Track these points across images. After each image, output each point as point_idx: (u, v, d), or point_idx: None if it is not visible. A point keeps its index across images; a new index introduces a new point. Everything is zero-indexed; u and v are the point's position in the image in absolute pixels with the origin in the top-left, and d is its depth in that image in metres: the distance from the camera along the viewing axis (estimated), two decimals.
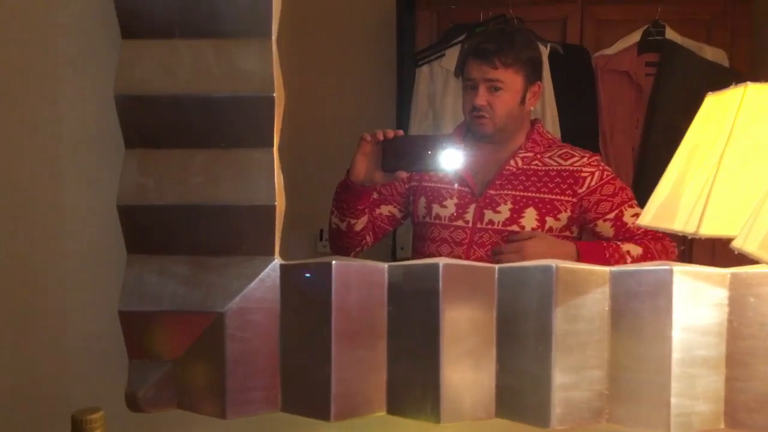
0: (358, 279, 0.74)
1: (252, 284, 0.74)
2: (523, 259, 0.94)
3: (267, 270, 0.74)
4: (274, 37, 0.73)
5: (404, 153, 0.96)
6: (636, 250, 1.00)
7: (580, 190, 1.04)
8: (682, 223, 0.78)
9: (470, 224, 1.05)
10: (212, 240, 0.74)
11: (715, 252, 0.92)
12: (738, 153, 0.75)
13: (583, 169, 1.05)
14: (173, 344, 0.76)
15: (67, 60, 0.82)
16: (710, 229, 0.74)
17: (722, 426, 0.72)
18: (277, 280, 0.75)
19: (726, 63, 1.22)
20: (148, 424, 0.82)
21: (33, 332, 0.85)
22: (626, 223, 1.03)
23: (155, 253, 0.75)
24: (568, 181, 1.04)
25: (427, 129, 1.26)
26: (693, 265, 0.72)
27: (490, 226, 1.04)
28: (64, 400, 0.78)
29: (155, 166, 0.74)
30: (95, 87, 0.81)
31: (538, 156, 1.07)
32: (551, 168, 1.05)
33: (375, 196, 1.08)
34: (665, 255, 1.01)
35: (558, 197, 1.04)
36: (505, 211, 1.04)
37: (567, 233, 1.04)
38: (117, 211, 0.73)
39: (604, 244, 1.02)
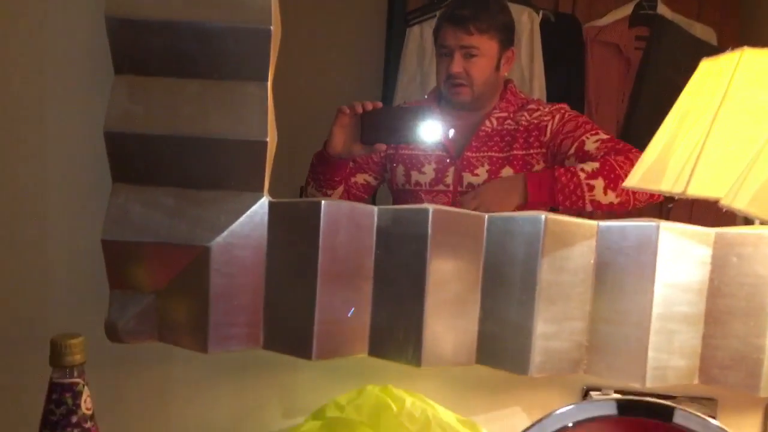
0: (347, 220, 0.73)
1: (240, 220, 0.73)
2: (481, 203, 0.98)
3: (255, 206, 0.73)
4: None
5: (383, 125, 0.96)
6: (591, 165, 0.99)
7: (544, 139, 1.05)
8: (670, 183, 0.79)
9: (451, 188, 1.05)
10: (201, 173, 0.73)
11: (692, 215, 0.93)
12: (731, 116, 0.76)
13: (544, 118, 1.05)
14: (156, 276, 0.75)
15: None
16: (698, 189, 0.75)
17: (696, 381, 0.74)
18: (265, 217, 0.74)
19: (714, 41, 1.23)
20: (128, 355, 0.81)
21: (13, 257, 0.84)
22: (588, 151, 1.02)
23: (141, 183, 0.73)
24: (534, 134, 1.05)
25: (414, 91, 1.25)
26: (679, 223, 0.73)
27: (470, 189, 1.05)
28: (44, 326, 0.77)
29: (145, 94, 0.72)
30: (85, 7, 0.78)
31: (511, 115, 1.08)
32: (520, 124, 1.06)
33: (350, 165, 1.08)
34: (629, 164, 0.98)
35: (528, 151, 1.05)
36: (483, 173, 1.04)
37: None
38: (103, 137, 0.71)
39: (555, 167, 1.02)
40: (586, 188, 0.95)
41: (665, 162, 0.82)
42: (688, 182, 0.75)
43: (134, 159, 0.73)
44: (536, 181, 1.00)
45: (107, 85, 0.72)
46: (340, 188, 1.06)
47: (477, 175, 1.05)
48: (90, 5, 0.77)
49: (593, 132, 1.03)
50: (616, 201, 0.96)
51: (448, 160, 1.07)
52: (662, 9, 1.24)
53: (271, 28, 0.70)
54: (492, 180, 1.04)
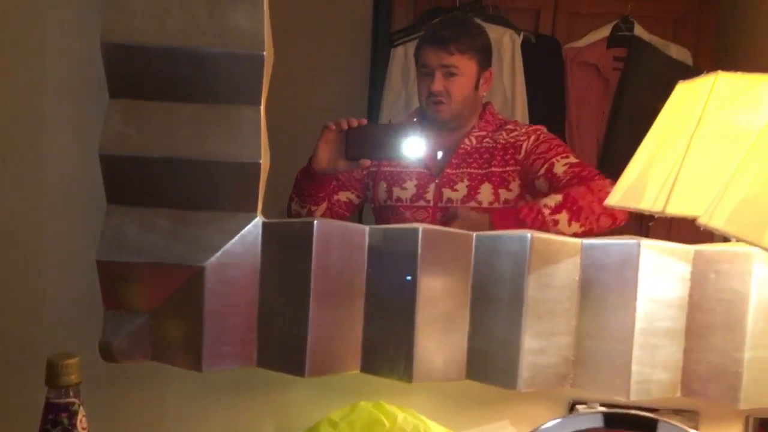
0: (339, 240, 0.75)
1: (233, 240, 0.74)
2: None
3: (249, 227, 0.75)
4: None
5: (368, 141, 0.97)
6: (554, 199, 1.00)
7: (519, 157, 1.08)
8: (649, 202, 0.81)
9: (431, 203, 1.08)
10: (195, 194, 0.74)
11: (671, 232, 0.96)
12: (706, 137, 0.78)
13: (520, 138, 1.08)
14: (150, 296, 0.76)
15: (53, 5, 0.81)
16: (676, 208, 0.78)
17: (678, 394, 0.76)
18: (259, 237, 0.75)
19: (690, 62, 1.27)
20: (122, 374, 0.82)
21: (9, 277, 0.84)
22: (556, 174, 1.04)
23: (136, 205, 0.75)
24: (510, 152, 1.08)
25: (399, 110, 1.27)
26: (659, 240, 0.75)
27: (449, 204, 1.07)
28: (39, 346, 0.77)
29: (140, 117, 0.73)
30: (81, 32, 0.80)
31: (489, 134, 1.10)
32: (498, 142, 1.09)
33: (333, 183, 1.09)
34: (590, 194, 1.00)
35: (505, 169, 1.07)
36: (462, 188, 1.07)
37: (522, 202, 1.07)
38: (99, 160, 0.72)
39: (519, 206, 1.03)
40: (551, 223, 0.97)
41: (645, 181, 0.85)
42: (667, 201, 0.78)
43: (129, 181, 0.74)
44: (501, 223, 1.01)
45: (103, 109, 0.73)
46: (324, 204, 1.08)
47: (456, 190, 1.08)
48: (87, 30, 0.79)
49: (564, 155, 1.06)
50: (579, 230, 0.98)
51: (428, 177, 1.09)
52: (639, 30, 1.28)
53: (264, 53, 0.72)
54: (469, 212, 1.05)
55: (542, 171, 1.06)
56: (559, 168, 1.05)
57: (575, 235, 0.97)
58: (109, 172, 0.73)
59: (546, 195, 1.04)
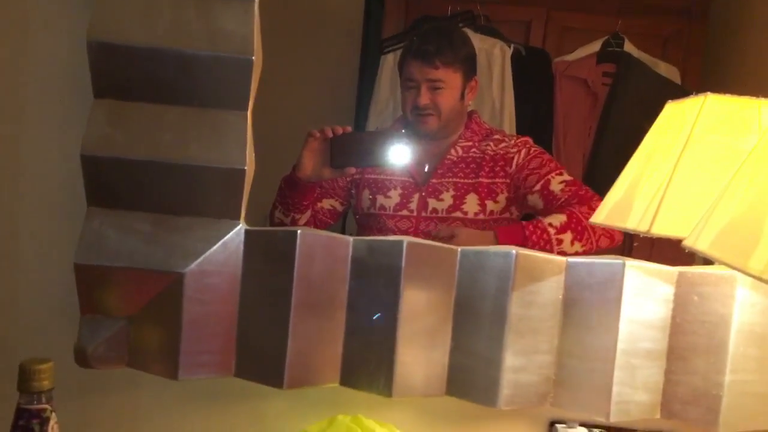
0: (323, 250, 0.74)
1: (215, 247, 0.73)
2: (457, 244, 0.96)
3: (231, 234, 0.74)
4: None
5: (353, 149, 0.97)
6: (558, 219, 1.02)
7: (510, 170, 1.08)
8: (635, 222, 0.81)
9: (415, 213, 1.07)
10: (177, 199, 0.73)
11: (653, 250, 0.96)
12: (694, 159, 0.79)
13: (511, 150, 1.09)
14: (129, 302, 0.75)
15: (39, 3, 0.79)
16: (661, 229, 0.78)
17: (658, 416, 0.76)
18: (241, 245, 0.74)
19: (678, 80, 1.27)
20: (97, 381, 0.80)
21: None
22: (553, 191, 1.06)
23: (117, 208, 0.73)
24: (500, 164, 1.08)
25: (387, 117, 1.27)
26: (644, 261, 0.75)
27: (434, 214, 1.07)
28: (12, 351, 0.75)
29: (125, 119, 0.72)
30: (66, 29, 0.78)
31: (476, 144, 1.11)
32: (486, 153, 1.09)
33: (317, 190, 1.09)
34: (592, 215, 1.01)
35: (493, 180, 1.07)
36: (447, 198, 1.07)
37: (507, 215, 1.08)
38: (80, 160, 0.71)
39: (524, 224, 1.04)
40: (555, 242, 0.99)
41: (631, 200, 0.85)
42: (652, 221, 0.78)
43: (111, 183, 0.73)
44: (507, 235, 1.02)
45: (86, 109, 0.72)
46: (308, 213, 1.07)
47: (442, 200, 1.07)
48: (71, 28, 0.78)
49: (557, 172, 1.07)
50: (581, 249, 1.00)
51: (413, 186, 1.09)
52: (629, 47, 1.28)
53: (253, 58, 0.72)
54: (468, 229, 1.05)
55: (537, 187, 1.06)
56: (556, 186, 1.06)
57: (576, 254, 0.98)
58: (91, 173, 0.72)
59: (539, 210, 1.06)
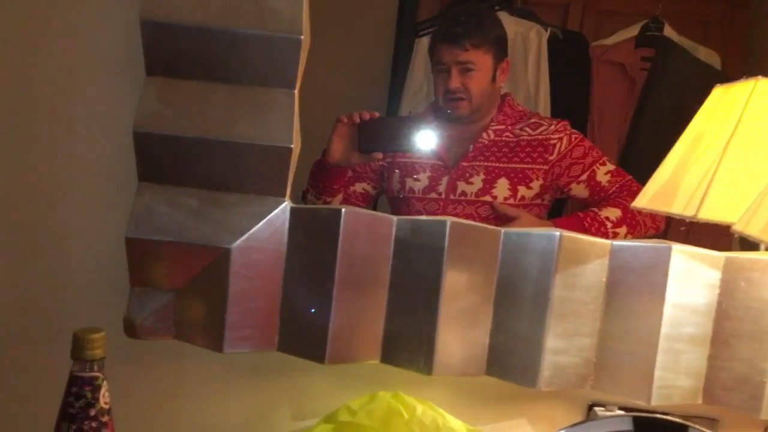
0: (366, 229, 0.75)
1: (260, 224, 0.74)
2: None
3: (277, 211, 0.75)
4: None
5: (380, 134, 0.98)
6: (614, 213, 1.03)
7: (551, 158, 1.07)
8: (681, 206, 0.81)
9: (443, 196, 1.07)
10: (225, 176, 0.74)
11: (690, 236, 0.95)
12: (743, 143, 0.77)
13: (552, 137, 1.08)
14: (176, 275, 0.76)
15: None
16: (709, 213, 0.77)
17: (700, 401, 0.75)
18: (286, 223, 0.75)
19: (718, 65, 1.25)
20: (143, 351, 0.82)
21: (37, 251, 0.85)
22: (600, 182, 1.06)
23: (166, 183, 0.75)
24: (539, 150, 1.07)
25: (420, 101, 1.26)
26: (690, 246, 0.75)
27: (463, 197, 1.06)
28: (65, 320, 0.77)
29: (175, 96, 0.73)
30: (119, 8, 0.80)
31: (509, 128, 1.10)
32: (522, 138, 1.08)
33: (349, 174, 1.09)
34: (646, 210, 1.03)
35: (530, 166, 1.06)
36: (477, 182, 1.06)
37: (538, 201, 1.07)
38: (132, 137, 0.72)
39: (581, 215, 1.05)
40: (611, 236, 1.01)
41: (676, 184, 0.84)
42: (699, 206, 0.77)
43: (161, 159, 0.74)
44: (567, 228, 1.01)
45: (138, 86, 0.73)
46: (339, 196, 1.08)
47: (471, 183, 1.07)
48: (124, 7, 0.79)
49: (601, 162, 1.08)
50: None
51: (443, 170, 1.09)
52: (669, 31, 1.26)
53: (301, 37, 0.72)
54: (531, 216, 1.06)
55: (584, 177, 1.07)
56: (602, 177, 1.06)
57: None
58: (142, 149, 0.74)
59: (582, 200, 1.07)
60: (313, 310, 0.74)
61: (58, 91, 0.82)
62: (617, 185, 1.05)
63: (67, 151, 0.83)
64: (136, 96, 0.73)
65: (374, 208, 1.18)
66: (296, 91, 0.74)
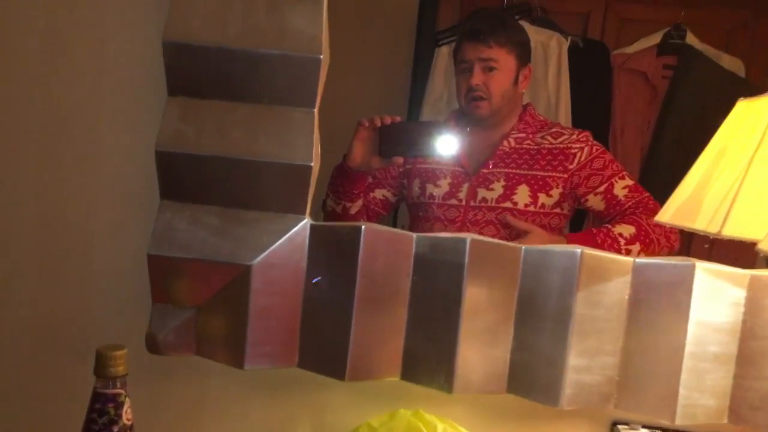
0: (386, 246, 0.75)
1: (281, 240, 0.75)
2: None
3: (297, 228, 0.75)
4: None
5: (401, 139, 0.97)
6: (628, 230, 1.02)
7: (570, 166, 1.06)
8: (704, 222, 0.79)
9: (463, 202, 1.07)
10: (246, 194, 0.75)
11: (712, 252, 0.94)
12: None
13: (573, 146, 1.07)
14: (198, 292, 0.77)
15: (115, 1, 0.83)
16: (733, 230, 0.76)
17: (725, 421, 0.74)
18: (306, 239, 0.75)
19: (742, 73, 1.23)
20: (165, 368, 0.83)
21: (61, 268, 0.86)
22: (617, 196, 1.05)
23: (188, 201, 0.76)
24: (559, 158, 1.07)
25: (441, 109, 1.26)
26: (714, 263, 0.73)
27: (483, 204, 1.06)
28: (88, 337, 0.79)
29: (196, 116, 0.74)
30: (142, 30, 0.81)
31: (530, 136, 1.09)
32: (543, 147, 1.08)
33: (369, 179, 1.09)
34: (659, 228, 1.02)
35: (550, 174, 1.06)
36: (498, 188, 1.06)
37: (558, 210, 1.06)
38: (154, 156, 0.73)
39: (594, 231, 1.04)
40: (624, 253, 0.99)
41: (700, 200, 0.83)
42: (723, 223, 0.76)
43: (182, 178, 0.75)
44: (579, 243, 1.00)
45: (160, 106, 0.74)
46: (359, 201, 1.08)
47: (492, 189, 1.06)
48: (147, 29, 0.80)
49: (620, 176, 1.07)
50: None
51: (463, 176, 1.09)
52: (691, 39, 1.25)
53: (321, 57, 0.73)
54: (535, 235, 1.05)
55: (601, 189, 1.06)
56: (619, 191, 1.05)
57: None
58: (164, 168, 0.75)
59: (598, 212, 1.05)
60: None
61: (82, 110, 0.84)
62: (634, 201, 1.04)
63: (92, 169, 0.85)
64: (158, 115, 0.74)
65: (395, 215, 1.18)
66: (316, 110, 0.74)
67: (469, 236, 0.74)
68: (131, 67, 0.83)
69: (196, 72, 0.73)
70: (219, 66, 0.73)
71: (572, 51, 1.25)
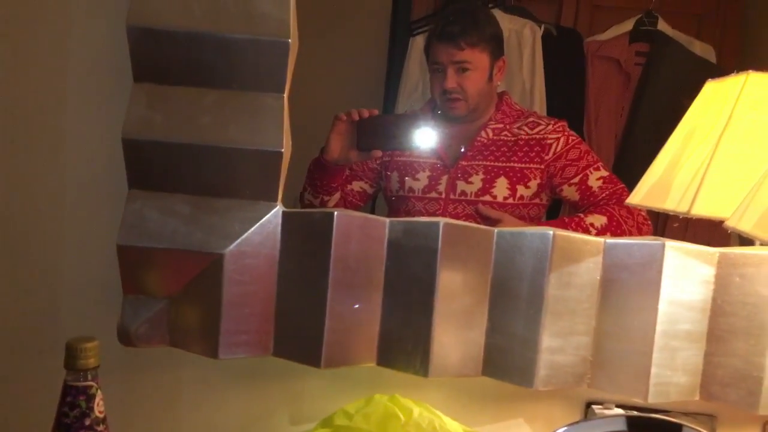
0: (359, 232, 0.74)
1: (253, 228, 0.74)
2: None
3: (269, 216, 0.75)
4: None
5: (379, 132, 0.97)
6: (600, 220, 1.02)
7: (546, 157, 1.06)
8: (674, 202, 0.81)
9: (443, 195, 1.07)
10: (216, 181, 0.74)
11: (686, 234, 0.95)
12: (735, 138, 0.77)
13: (549, 136, 1.08)
14: (170, 282, 0.76)
15: None
16: (702, 209, 0.77)
17: (697, 398, 0.75)
18: (279, 227, 0.75)
19: (713, 59, 1.25)
20: (138, 359, 0.82)
21: (29, 260, 0.85)
22: (591, 187, 1.06)
23: (157, 190, 0.74)
24: (536, 149, 1.07)
25: (416, 100, 1.26)
26: (683, 242, 0.74)
27: (462, 197, 1.06)
28: (58, 330, 0.78)
29: (164, 102, 0.73)
30: (106, 15, 0.80)
31: (508, 126, 1.09)
32: (520, 137, 1.08)
33: (347, 172, 1.09)
34: (631, 219, 1.03)
35: (527, 165, 1.06)
36: (477, 181, 1.06)
37: (537, 200, 1.07)
38: (121, 144, 0.72)
39: (566, 220, 1.05)
40: None
41: (670, 181, 0.84)
42: (692, 202, 0.77)
43: (151, 166, 0.74)
44: None
45: (126, 93, 0.73)
46: (337, 195, 1.08)
47: (471, 183, 1.07)
48: (111, 14, 0.79)
49: (595, 166, 1.07)
50: None
51: (442, 169, 1.08)
52: (663, 26, 1.26)
53: (290, 41, 0.72)
54: (514, 219, 1.06)
55: (575, 180, 1.06)
56: (594, 182, 1.06)
57: None
58: (132, 156, 0.73)
59: (573, 203, 1.06)
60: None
61: (46, 98, 0.82)
62: (607, 192, 1.05)
63: (57, 159, 0.83)
64: (125, 103, 0.73)
65: (372, 208, 1.17)
66: (285, 95, 0.74)
67: (442, 220, 0.74)
68: (96, 53, 0.81)
69: (162, 57, 0.72)
70: (185, 51, 0.72)
71: (546, 39, 1.26)
